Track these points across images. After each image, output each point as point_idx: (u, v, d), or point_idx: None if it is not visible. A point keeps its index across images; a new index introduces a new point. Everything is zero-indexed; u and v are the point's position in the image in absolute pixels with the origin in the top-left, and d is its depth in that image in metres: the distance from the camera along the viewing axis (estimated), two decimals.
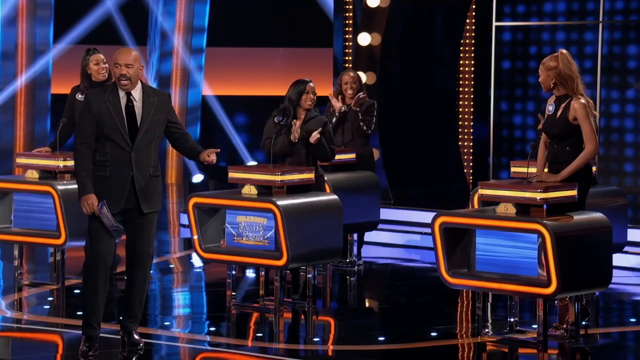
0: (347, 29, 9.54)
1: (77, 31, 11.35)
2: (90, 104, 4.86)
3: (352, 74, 7.22)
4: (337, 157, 6.95)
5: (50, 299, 6.17)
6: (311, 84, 6.00)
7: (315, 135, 5.86)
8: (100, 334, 5.03)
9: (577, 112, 5.18)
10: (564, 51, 5.27)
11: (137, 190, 4.87)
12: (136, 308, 5.00)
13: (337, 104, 7.09)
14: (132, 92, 4.90)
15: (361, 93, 7.12)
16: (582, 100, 5.21)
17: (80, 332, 4.99)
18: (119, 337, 5.06)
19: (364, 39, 8.93)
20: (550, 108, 5.32)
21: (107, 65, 6.36)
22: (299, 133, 5.86)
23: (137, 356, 4.97)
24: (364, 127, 7.07)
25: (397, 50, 9.10)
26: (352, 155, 7.06)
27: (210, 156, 5.00)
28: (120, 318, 5.09)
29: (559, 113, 5.26)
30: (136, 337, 5.01)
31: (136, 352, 4.98)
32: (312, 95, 5.97)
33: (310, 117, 5.99)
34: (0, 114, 11.45)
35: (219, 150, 5.06)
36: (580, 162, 5.18)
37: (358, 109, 7.07)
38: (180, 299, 6.53)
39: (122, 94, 4.89)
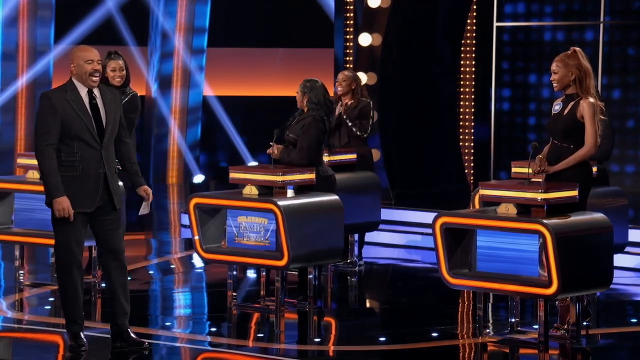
0: (347, 29, 9.54)
1: (78, 31, 11.35)
2: (54, 103, 4.81)
3: (346, 73, 7.19)
4: (337, 157, 6.96)
5: (51, 299, 6.16)
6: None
7: (272, 152, 5.88)
8: (103, 335, 5.06)
9: (585, 111, 5.18)
10: (578, 48, 5.27)
11: (110, 187, 4.90)
12: (125, 305, 5.02)
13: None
14: (93, 89, 4.91)
15: (347, 101, 7.06)
16: (592, 100, 5.21)
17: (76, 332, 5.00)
18: (109, 335, 5.06)
19: (365, 39, 8.93)
20: (557, 107, 5.32)
21: (124, 71, 6.35)
22: (274, 155, 5.89)
23: (137, 355, 4.97)
24: (358, 132, 7.03)
25: (398, 51, 9.09)
26: (353, 156, 7.05)
27: (148, 198, 5.01)
28: (112, 317, 5.08)
29: (566, 110, 5.26)
30: (134, 336, 5.01)
31: (142, 351, 4.97)
32: (296, 93, 5.98)
33: (300, 120, 5.96)
34: (1, 114, 11.45)
35: (148, 198, 5.01)
36: (576, 158, 5.19)
37: (345, 117, 7.03)
38: (181, 299, 6.53)
39: (83, 92, 4.87)
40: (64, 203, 4.81)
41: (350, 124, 7.03)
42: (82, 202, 4.86)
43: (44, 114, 4.82)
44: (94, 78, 4.85)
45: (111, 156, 4.92)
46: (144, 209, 5.03)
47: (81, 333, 4.96)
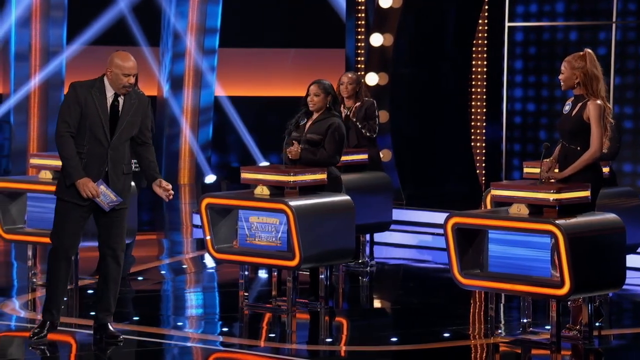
0: (359, 29, 9.53)
1: (90, 32, 11.40)
2: (78, 94, 4.97)
3: (350, 75, 7.18)
4: (349, 157, 6.96)
5: (64, 299, 6.19)
6: (312, 86, 5.96)
7: (292, 150, 5.83)
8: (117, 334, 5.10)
9: (591, 113, 5.19)
10: (590, 51, 5.27)
11: (111, 186, 4.98)
12: (111, 302, 5.11)
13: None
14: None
15: (357, 104, 7.04)
16: (599, 102, 5.21)
17: (92, 331, 5.12)
18: (92, 331, 5.15)
19: (376, 39, 8.93)
20: (567, 107, 5.34)
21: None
22: (292, 154, 5.86)
23: (114, 347, 5.04)
24: (367, 133, 7.04)
25: (409, 51, 9.09)
26: (364, 156, 7.05)
27: (166, 192, 5.00)
28: (93, 312, 5.16)
29: (574, 111, 5.27)
30: (112, 329, 5.11)
31: (116, 344, 5.06)
32: (313, 97, 5.94)
33: (320, 119, 5.96)
34: (14, 114, 11.51)
35: (171, 193, 5.02)
36: (582, 162, 5.18)
37: (355, 119, 7.02)
38: (193, 299, 6.54)
39: (109, 93, 5.01)
40: (88, 183, 4.93)
41: (359, 125, 7.03)
42: (78, 194, 4.95)
43: (67, 102, 5.00)
44: (126, 90, 5.00)
45: (119, 157, 5.01)
46: (108, 199, 4.96)
47: (49, 323, 5.04)
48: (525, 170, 6.32)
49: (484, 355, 5.22)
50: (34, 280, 6.49)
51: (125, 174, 5.04)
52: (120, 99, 5.02)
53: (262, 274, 6.97)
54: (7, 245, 7.55)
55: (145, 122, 5.09)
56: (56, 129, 5.00)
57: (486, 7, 9.56)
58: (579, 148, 5.22)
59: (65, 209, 5.00)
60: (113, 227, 5.04)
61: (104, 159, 4.97)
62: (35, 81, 11.44)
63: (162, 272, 7.26)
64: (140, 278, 6.82)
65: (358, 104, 7.10)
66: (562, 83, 5.29)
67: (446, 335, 5.45)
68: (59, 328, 5.24)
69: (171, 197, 5.09)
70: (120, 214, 5.05)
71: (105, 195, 4.96)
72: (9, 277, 7.11)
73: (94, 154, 4.96)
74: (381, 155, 7.38)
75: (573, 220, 5.04)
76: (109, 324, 5.10)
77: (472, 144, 9.73)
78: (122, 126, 4.98)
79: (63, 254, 5.02)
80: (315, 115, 6.00)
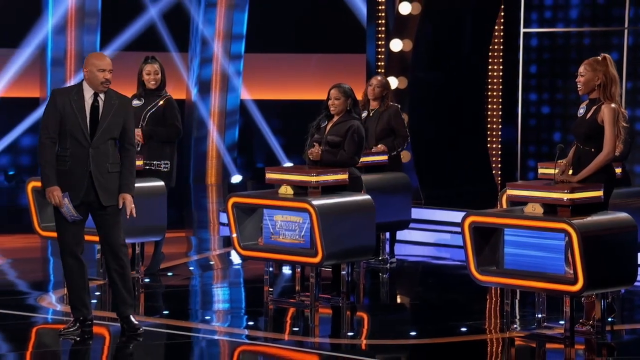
0: (379, 35, 9.67)
1: (123, 38, 11.58)
2: (56, 101, 5.11)
3: (379, 78, 7.25)
4: (370, 158, 7.08)
5: (97, 293, 6.33)
6: (333, 90, 6.06)
7: (313, 152, 5.95)
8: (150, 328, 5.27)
9: (605, 115, 5.25)
10: (608, 55, 5.33)
11: (95, 184, 5.12)
12: (126, 295, 5.21)
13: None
14: (100, 93, 5.16)
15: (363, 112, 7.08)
16: (613, 105, 5.26)
17: (118, 323, 5.28)
18: (119, 324, 5.28)
19: (396, 45, 9.07)
20: (581, 110, 5.38)
21: (159, 75, 6.65)
22: (314, 156, 5.97)
23: (135, 342, 5.16)
24: (400, 149, 7.10)
25: (428, 56, 9.20)
26: (385, 157, 7.16)
27: (128, 208, 5.15)
28: (115, 305, 5.30)
29: (589, 114, 5.32)
30: (135, 321, 5.21)
31: (136, 338, 5.18)
32: (334, 100, 6.05)
33: (340, 122, 6.10)
34: None
35: (132, 214, 5.15)
36: (595, 164, 5.25)
37: (373, 129, 7.05)
38: (220, 294, 6.66)
39: (88, 95, 5.13)
40: (54, 191, 5.08)
41: (377, 145, 7.03)
42: (69, 195, 5.09)
43: (47, 109, 5.15)
44: (105, 85, 5.12)
45: (102, 156, 5.11)
46: (70, 213, 5.09)
47: (81, 318, 5.18)
48: (540, 171, 6.38)
49: (500, 349, 5.29)
50: None
51: (110, 172, 5.14)
52: (100, 100, 5.11)
53: (286, 270, 7.06)
54: (44, 241, 7.69)
55: (128, 124, 5.15)
56: (39, 134, 5.14)
57: (502, 13, 9.67)
58: (592, 150, 5.30)
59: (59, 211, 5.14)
60: (107, 224, 5.15)
61: (86, 159, 5.08)
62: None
63: (191, 268, 7.37)
64: (169, 274, 6.94)
65: (379, 107, 7.24)
66: (580, 86, 5.29)
67: (463, 329, 5.53)
68: (94, 321, 5.38)
69: (132, 215, 5.14)
70: (112, 211, 5.14)
71: (67, 208, 5.10)
72: (46, 272, 7.28)
73: (77, 155, 5.08)
74: (401, 157, 7.53)
75: (586, 219, 5.09)
76: (130, 316, 5.20)
77: (488, 145, 9.82)
78: (103, 126, 5.09)
79: (69, 253, 5.15)
80: (335, 118, 6.12)
